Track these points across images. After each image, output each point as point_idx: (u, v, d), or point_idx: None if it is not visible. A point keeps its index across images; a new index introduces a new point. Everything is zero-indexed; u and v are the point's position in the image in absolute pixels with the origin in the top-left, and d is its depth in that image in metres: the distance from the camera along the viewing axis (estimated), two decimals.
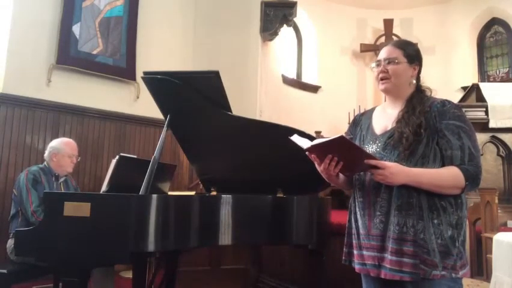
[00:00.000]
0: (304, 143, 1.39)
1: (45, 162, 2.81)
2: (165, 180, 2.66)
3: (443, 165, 1.38)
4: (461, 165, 1.34)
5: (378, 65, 1.52)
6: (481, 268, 2.66)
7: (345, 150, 1.35)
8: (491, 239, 2.31)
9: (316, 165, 1.44)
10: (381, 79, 1.50)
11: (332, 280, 2.39)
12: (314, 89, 6.95)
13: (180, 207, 1.83)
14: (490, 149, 3.63)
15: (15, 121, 3.79)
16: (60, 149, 2.80)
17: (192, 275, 3.36)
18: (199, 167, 2.52)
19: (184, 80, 2.02)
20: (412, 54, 1.51)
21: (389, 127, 1.47)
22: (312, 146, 1.35)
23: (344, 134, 1.35)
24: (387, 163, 1.34)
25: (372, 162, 1.33)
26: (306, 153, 1.41)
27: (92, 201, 1.69)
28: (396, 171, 1.32)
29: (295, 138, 1.44)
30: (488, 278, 2.36)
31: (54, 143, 2.86)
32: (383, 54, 1.52)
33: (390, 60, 1.48)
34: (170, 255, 2.61)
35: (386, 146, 1.44)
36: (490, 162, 3.58)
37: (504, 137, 3.58)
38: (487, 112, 3.56)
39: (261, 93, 5.57)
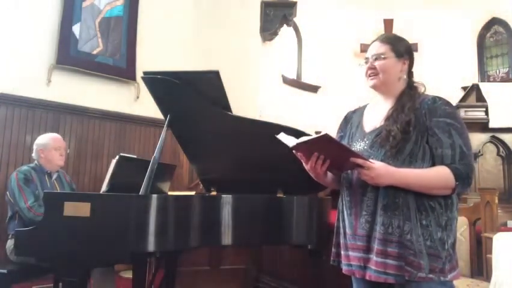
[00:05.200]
0: (290, 141, 1.37)
1: (35, 161, 2.79)
2: (165, 180, 2.66)
3: (433, 164, 1.34)
4: (451, 165, 1.31)
5: (366, 62, 1.50)
6: (481, 268, 2.65)
7: (330, 148, 1.33)
8: (491, 239, 2.30)
9: (303, 163, 1.43)
10: (369, 75, 1.48)
11: (332, 280, 2.39)
12: (314, 89, 6.95)
13: (180, 207, 1.83)
14: (490, 149, 3.63)
15: (15, 121, 3.79)
16: (45, 143, 2.78)
17: (192, 275, 3.36)
18: (199, 167, 2.52)
19: (184, 80, 2.02)
20: (400, 48, 1.47)
21: (378, 125, 1.45)
22: (298, 144, 1.34)
23: (327, 133, 1.32)
24: (374, 164, 1.31)
25: (359, 161, 1.30)
26: (293, 151, 1.39)
27: (92, 201, 1.69)
28: (382, 172, 1.30)
29: (281, 136, 1.42)
30: (488, 278, 2.35)
31: (39, 139, 2.84)
32: (370, 50, 1.50)
33: (377, 56, 1.46)
34: (170, 255, 2.61)
35: (373, 143, 1.41)
36: (490, 162, 3.59)
37: (504, 137, 3.58)
38: (487, 112, 3.56)
39: (261, 93, 5.57)
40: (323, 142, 1.30)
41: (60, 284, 2.29)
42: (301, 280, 2.89)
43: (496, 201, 2.76)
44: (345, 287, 2.35)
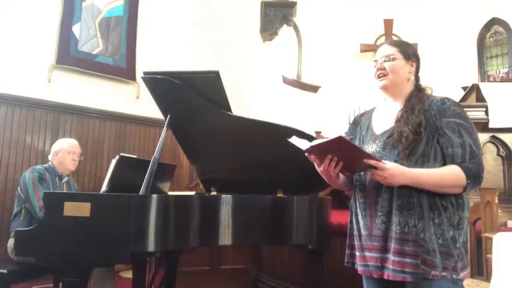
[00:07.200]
0: (303, 144, 1.38)
1: (49, 162, 2.89)
2: (165, 180, 2.65)
3: (444, 163, 1.37)
4: (462, 163, 1.33)
5: (375, 65, 1.52)
6: (481, 268, 2.66)
7: (344, 150, 1.34)
8: (491, 239, 2.31)
9: (316, 166, 1.44)
10: (379, 76, 1.50)
11: (332, 280, 2.39)
12: (314, 89, 6.95)
13: (180, 207, 1.83)
14: (490, 149, 3.63)
15: (15, 121, 3.79)
16: (61, 146, 2.89)
17: (192, 275, 3.36)
18: (199, 167, 2.52)
19: (184, 80, 2.01)
20: (408, 51, 1.51)
21: (389, 126, 1.47)
22: (311, 147, 1.34)
23: (343, 135, 1.34)
24: (387, 164, 1.32)
25: (372, 162, 1.32)
26: (306, 154, 1.41)
27: (92, 201, 1.69)
28: (395, 172, 1.32)
29: (294, 140, 1.43)
30: (488, 278, 2.36)
31: (56, 142, 2.97)
32: (379, 53, 1.53)
33: (386, 58, 1.49)
34: (170, 255, 2.61)
35: (385, 145, 1.44)
36: (490, 162, 3.58)
37: (504, 137, 3.57)
38: (487, 112, 3.55)
39: (261, 93, 5.58)
40: (336, 144, 1.30)
41: (60, 284, 2.30)
42: (301, 280, 2.89)
43: (496, 201, 2.76)
44: (345, 286, 2.36)
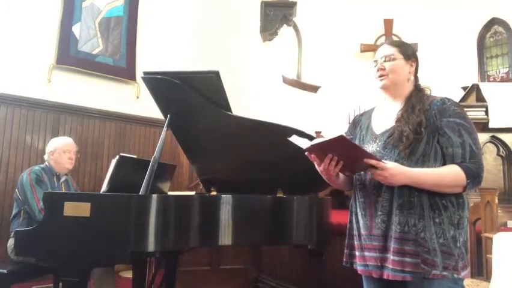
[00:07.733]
0: (303, 143, 1.38)
1: (46, 162, 2.86)
2: (165, 180, 2.65)
3: (444, 163, 1.37)
4: (462, 163, 1.33)
5: (375, 66, 1.52)
6: (481, 268, 2.66)
7: (345, 149, 1.34)
8: (491, 239, 2.31)
9: (316, 165, 1.44)
10: (379, 76, 1.50)
11: (332, 280, 2.39)
12: (314, 89, 6.95)
13: (180, 207, 1.83)
14: (490, 149, 3.63)
15: (15, 121, 3.79)
16: (56, 146, 2.85)
17: (191, 275, 3.36)
18: (199, 167, 2.52)
19: (184, 80, 2.01)
20: (408, 51, 1.51)
21: (389, 126, 1.47)
22: (312, 145, 1.34)
23: (344, 134, 1.34)
24: (387, 164, 1.33)
25: (372, 162, 1.32)
26: (306, 153, 1.41)
27: (92, 201, 1.69)
28: (396, 172, 1.32)
29: (294, 138, 1.43)
30: (488, 278, 2.36)
31: (51, 141, 2.93)
32: (379, 53, 1.53)
33: (386, 58, 1.49)
34: (170, 255, 2.61)
35: (386, 145, 1.44)
36: (490, 162, 3.58)
37: (504, 137, 3.58)
38: (487, 112, 3.55)
39: (261, 93, 5.58)
40: (337, 143, 1.30)
41: (60, 284, 2.29)
42: (301, 280, 2.89)
43: (496, 201, 2.76)
44: (345, 286, 2.36)
